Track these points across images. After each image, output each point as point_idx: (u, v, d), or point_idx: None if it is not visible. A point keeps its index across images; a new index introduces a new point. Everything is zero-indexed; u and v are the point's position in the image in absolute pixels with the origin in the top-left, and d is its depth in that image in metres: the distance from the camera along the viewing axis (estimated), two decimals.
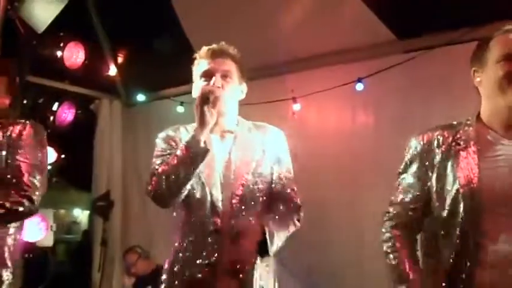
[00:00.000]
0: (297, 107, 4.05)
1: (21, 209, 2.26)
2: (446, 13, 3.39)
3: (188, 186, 2.03)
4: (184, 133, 2.16)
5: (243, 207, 2.08)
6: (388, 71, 3.62)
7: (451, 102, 3.26)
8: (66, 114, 4.62)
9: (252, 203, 2.10)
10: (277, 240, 2.06)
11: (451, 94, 3.34)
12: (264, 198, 2.14)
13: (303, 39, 3.98)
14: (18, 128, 2.40)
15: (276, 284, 2.24)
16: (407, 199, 1.88)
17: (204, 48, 2.20)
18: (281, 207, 2.13)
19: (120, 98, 5.39)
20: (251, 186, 2.11)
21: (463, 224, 1.70)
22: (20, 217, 2.37)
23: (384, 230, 1.91)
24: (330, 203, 3.88)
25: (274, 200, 2.15)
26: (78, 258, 7.35)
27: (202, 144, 1.98)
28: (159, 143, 2.18)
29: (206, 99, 2.00)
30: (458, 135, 1.82)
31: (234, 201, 2.08)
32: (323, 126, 4.04)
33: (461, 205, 1.71)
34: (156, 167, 2.07)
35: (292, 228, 2.16)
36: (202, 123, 2.00)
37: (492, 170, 1.72)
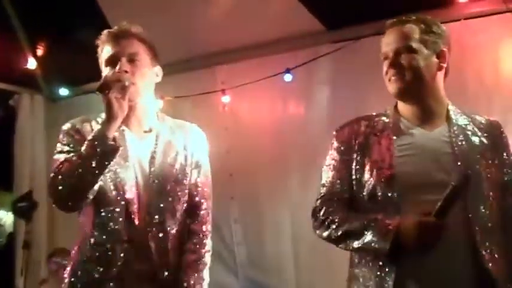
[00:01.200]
0: (226, 99, 4.00)
1: None
2: (373, 3, 3.43)
3: (96, 188, 1.81)
4: (95, 126, 1.90)
5: (161, 215, 1.91)
6: (316, 61, 3.64)
7: (379, 92, 3.31)
8: None
9: (172, 207, 1.94)
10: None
11: (379, 84, 3.38)
12: (184, 201, 2.00)
13: (231, 30, 3.92)
14: None
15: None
16: (330, 193, 1.89)
17: (105, 32, 1.97)
18: (189, 221, 2.01)
19: (42, 93, 5.13)
20: (172, 193, 1.94)
21: (383, 213, 1.73)
22: None
23: (316, 223, 1.88)
24: (263, 196, 3.87)
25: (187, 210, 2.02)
26: (2, 263, 6.99)
27: (110, 141, 1.75)
28: (62, 136, 1.92)
29: (107, 86, 1.76)
30: (375, 125, 1.89)
31: (151, 209, 1.90)
32: (254, 118, 4.00)
33: (379, 193, 1.76)
34: (59, 166, 1.81)
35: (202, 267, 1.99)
36: (110, 115, 1.76)
37: (404, 157, 1.79)
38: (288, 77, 3.75)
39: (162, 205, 1.92)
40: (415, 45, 1.82)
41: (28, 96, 5.06)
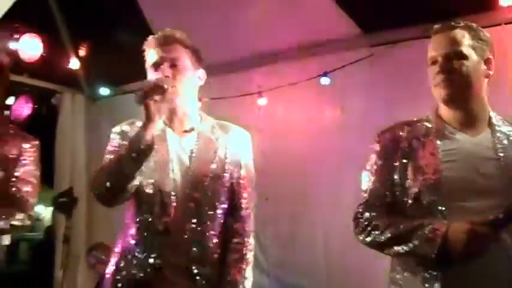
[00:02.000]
0: (262, 101, 4.03)
1: (22, 225, 2.39)
2: (412, 7, 3.40)
3: (136, 183, 1.88)
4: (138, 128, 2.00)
5: (198, 210, 1.96)
6: (353, 65, 3.63)
7: (416, 96, 3.28)
8: (22, 108, 4.48)
9: (207, 207, 1.98)
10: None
11: (416, 88, 3.36)
12: (224, 199, 2.03)
13: (269, 33, 3.96)
14: (17, 141, 2.42)
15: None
16: (373, 198, 1.89)
17: (150, 37, 2.06)
18: (231, 220, 2.04)
19: (83, 92, 5.27)
20: (208, 189, 1.98)
21: (428, 218, 1.72)
22: (20, 231, 2.53)
23: (358, 229, 1.88)
24: (296, 198, 3.88)
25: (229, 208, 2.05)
26: (41, 256, 7.19)
27: (145, 142, 1.81)
28: (113, 138, 2.05)
29: (150, 92, 1.82)
30: (418, 130, 1.88)
31: (188, 203, 1.95)
32: (289, 120, 4.02)
33: (424, 199, 1.75)
34: (102, 165, 1.95)
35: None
36: (147, 118, 1.83)
37: (450, 163, 1.78)
38: (325, 80, 3.76)
39: (199, 200, 1.97)
40: (465, 51, 1.81)
41: (70, 95, 5.21)
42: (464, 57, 1.81)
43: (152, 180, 1.94)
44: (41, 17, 4.51)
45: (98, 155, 5.68)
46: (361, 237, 1.86)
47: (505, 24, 3.15)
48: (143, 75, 5.19)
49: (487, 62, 1.86)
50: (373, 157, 1.94)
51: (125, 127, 2.06)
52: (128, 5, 4.35)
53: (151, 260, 1.90)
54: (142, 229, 1.94)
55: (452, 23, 1.88)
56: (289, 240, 3.94)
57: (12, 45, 4.00)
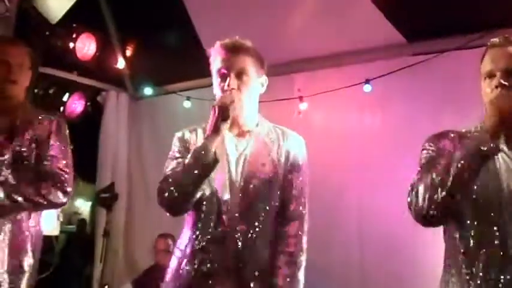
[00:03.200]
0: (303, 106, 4.04)
1: (57, 200, 2.38)
2: (456, 17, 3.37)
3: (198, 195, 1.95)
4: (200, 135, 2.07)
5: (252, 210, 1.98)
6: (396, 73, 3.60)
7: (459, 108, 3.25)
8: (75, 105, 4.63)
9: (262, 207, 1.99)
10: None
11: (459, 99, 3.33)
12: (276, 203, 2.04)
13: (311, 39, 3.97)
14: (45, 123, 2.45)
15: None
16: (430, 161, 1.87)
17: (218, 44, 2.09)
18: (284, 223, 2.05)
19: (127, 91, 5.40)
20: (262, 192, 2.00)
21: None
22: (54, 207, 2.53)
23: (412, 197, 1.83)
24: (336, 204, 3.87)
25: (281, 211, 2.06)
26: (77, 248, 7.39)
27: (212, 156, 1.89)
28: (176, 143, 2.10)
29: (223, 112, 1.91)
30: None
31: (243, 204, 1.97)
32: (329, 126, 4.02)
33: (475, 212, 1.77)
34: (168, 172, 1.99)
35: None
36: (214, 132, 1.92)
37: (495, 176, 1.78)
38: (367, 88, 3.75)
39: (252, 203, 1.99)
40: None
41: (114, 93, 5.34)
42: None
43: (208, 185, 1.98)
44: (92, 17, 4.65)
45: (139, 153, 5.82)
46: (419, 205, 1.80)
47: None
48: (185, 76, 5.29)
49: None
50: (425, 147, 1.94)
51: (187, 135, 2.11)
52: (175, 6, 4.44)
53: (209, 263, 1.95)
54: (200, 233, 1.99)
55: (508, 37, 1.87)
56: (322, 245, 3.93)
57: (70, 44, 4.13)
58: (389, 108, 3.80)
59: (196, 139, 2.08)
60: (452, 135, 1.92)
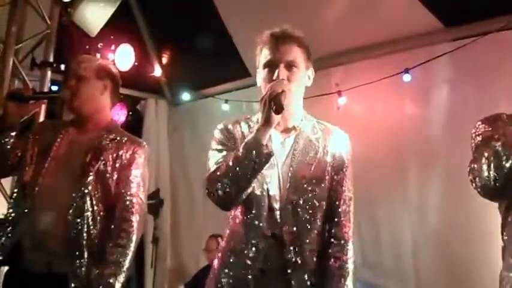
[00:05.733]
0: (342, 100, 3.99)
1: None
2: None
3: (249, 189, 1.87)
4: (245, 127, 1.99)
5: (299, 210, 1.91)
6: (436, 60, 3.52)
7: (503, 91, 3.15)
8: (118, 115, 4.71)
9: (309, 207, 1.92)
10: None
11: (502, 82, 3.23)
12: (323, 203, 1.96)
13: (346, 32, 3.92)
14: (130, 145, 2.37)
15: None
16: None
17: (267, 33, 1.98)
18: (331, 225, 1.97)
19: (166, 98, 5.47)
20: (309, 189, 1.92)
21: None
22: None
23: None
24: (379, 197, 3.81)
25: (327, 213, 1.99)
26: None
27: (265, 149, 1.81)
28: (218, 135, 2.00)
29: (275, 102, 1.79)
30: None
31: (292, 203, 1.90)
32: (370, 119, 3.94)
33: None
34: (215, 166, 1.90)
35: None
36: (267, 123, 1.82)
37: None
38: (406, 77, 3.67)
39: (298, 203, 1.92)
40: None
41: (153, 101, 5.43)
42: None
43: (258, 183, 1.91)
44: (127, 27, 4.72)
45: (181, 159, 5.88)
46: (483, 178, 1.74)
47: None
48: (222, 79, 5.30)
49: None
50: (478, 129, 1.88)
51: (230, 126, 2.02)
52: (207, 11, 4.47)
53: (256, 263, 1.88)
54: (249, 232, 1.92)
55: None
56: (373, 241, 3.87)
57: (109, 56, 4.21)
58: (431, 97, 3.71)
59: (241, 130, 1.99)
60: (504, 116, 1.85)
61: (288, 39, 1.94)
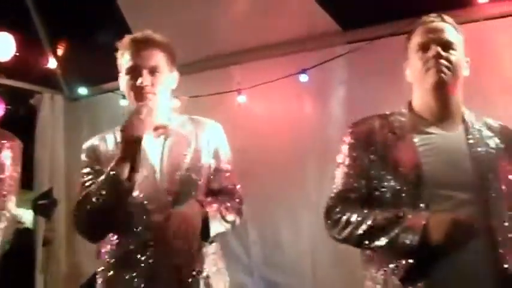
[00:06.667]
0: (242, 99, 4.01)
1: None
2: (388, 5, 3.42)
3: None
4: (111, 142, 2.02)
5: (177, 202, 1.94)
6: (332, 62, 3.63)
7: (396, 93, 3.29)
8: None
9: (187, 199, 1.96)
10: (214, 228, 1.94)
11: (396, 84, 3.37)
12: (200, 193, 2.02)
13: (247, 30, 3.94)
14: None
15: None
16: (345, 190, 1.87)
17: (127, 39, 2.03)
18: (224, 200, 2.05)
19: (62, 92, 5.21)
20: (185, 181, 1.97)
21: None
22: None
23: (329, 223, 1.86)
24: (278, 195, 3.87)
25: (215, 195, 2.06)
26: (22, 259, 7.06)
27: (126, 184, 1.81)
28: (83, 157, 2.05)
29: (134, 144, 1.84)
30: (392, 124, 1.89)
31: (168, 198, 1.93)
32: (270, 118, 3.99)
33: (403, 192, 1.75)
34: (81, 200, 1.91)
35: (237, 219, 2.08)
36: (123, 156, 1.84)
37: (426, 157, 1.78)
38: (303, 78, 3.75)
39: (178, 192, 1.96)
40: (455, 42, 1.85)
41: (48, 95, 5.14)
42: (454, 47, 1.83)
43: (138, 192, 1.92)
44: (17, 16, 4.45)
45: (78, 156, 5.64)
46: (332, 232, 1.83)
47: (484, 20, 3.18)
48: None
49: (467, 61, 1.91)
50: (345, 149, 1.93)
51: (97, 142, 2.07)
52: (106, 3, 4.31)
53: (136, 263, 1.90)
54: (126, 237, 1.94)
55: (439, 15, 1.91)
56: (273, 239, 3.93)
57: None
58: (328, 98, 3.82)
59: (106, 148, 2.02)
60: (375, 126, 1.91)
61: (149, 44, 1.97)
